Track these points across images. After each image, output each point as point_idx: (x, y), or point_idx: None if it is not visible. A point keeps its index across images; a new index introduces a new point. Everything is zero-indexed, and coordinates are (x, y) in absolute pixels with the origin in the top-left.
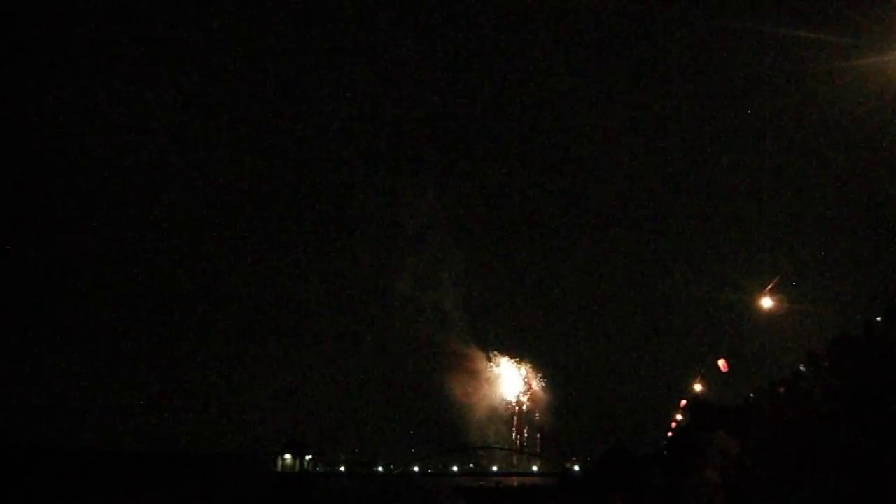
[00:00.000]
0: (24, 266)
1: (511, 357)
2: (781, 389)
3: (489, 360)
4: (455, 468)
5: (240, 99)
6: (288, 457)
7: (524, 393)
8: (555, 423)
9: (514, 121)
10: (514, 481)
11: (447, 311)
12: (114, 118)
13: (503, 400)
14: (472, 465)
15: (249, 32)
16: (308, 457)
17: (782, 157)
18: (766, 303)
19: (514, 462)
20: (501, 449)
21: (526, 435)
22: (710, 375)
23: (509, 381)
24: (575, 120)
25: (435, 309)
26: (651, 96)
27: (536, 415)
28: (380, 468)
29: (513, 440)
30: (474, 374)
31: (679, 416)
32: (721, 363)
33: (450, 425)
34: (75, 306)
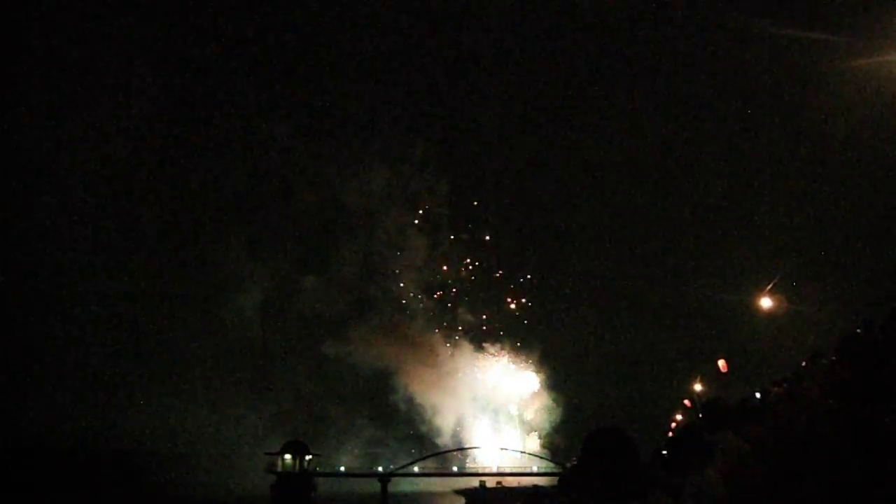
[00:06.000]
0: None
1: (478, 349)
2: (781, 388)
3: (451, 352)
4: (455, 468)
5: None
6: (288, 457)
7: (513, 389)
8: (551, 422)
9: (493, 99)
10: (516, 482)
11: (404, 299)
12: None
13: (479, 395)
14: (473, 465)
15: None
16: (308, 457)
17: (782, 156)
18: (766, 303)
19: (498, 463)
20: (477, 448)
21: (525, 433)
22: (710, 375)
23: (487, 374)
24: (567, 116)
25: (390, 296)
26: (649, 95)
27: (514, 409)
28: (380, 468)
29: (501, 439)
30: (438, 367)
31: (679, 416)
32: (721, 363)
33: (420, 425)
34: (70, 303)
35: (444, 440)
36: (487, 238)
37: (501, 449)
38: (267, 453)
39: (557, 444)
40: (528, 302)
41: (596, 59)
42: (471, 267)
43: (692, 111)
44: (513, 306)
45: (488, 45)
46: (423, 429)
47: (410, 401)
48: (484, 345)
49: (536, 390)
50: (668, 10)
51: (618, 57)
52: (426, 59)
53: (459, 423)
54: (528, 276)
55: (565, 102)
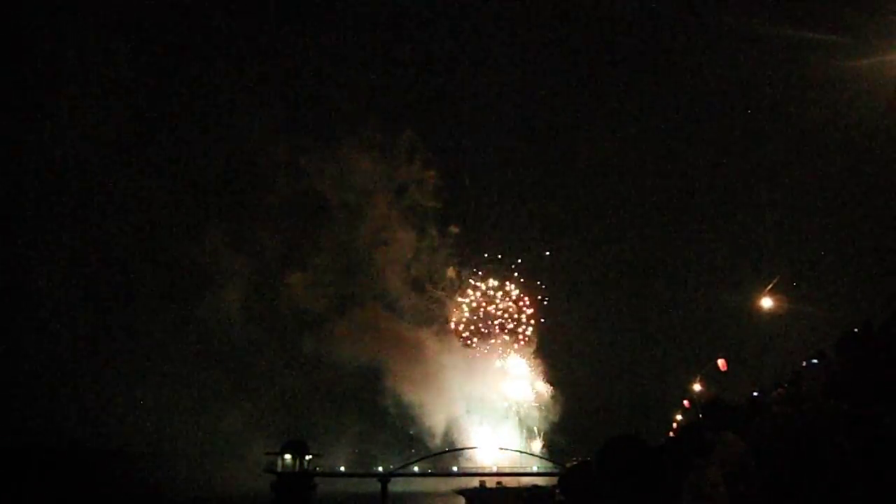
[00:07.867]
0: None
1: (470, 347)
2: (782, 389)
3: (442, 350)
4: (455, 468)
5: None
6: (288, 457)
7: (510, 388)
8: (550, 421)
9: (483, 88)
10: (515, 482)
11: (390, 295)
12: None
13: (473, 394)
14: (471, 465)
15: None
16: (308, 457)
17: (782, 156)
18: (766, 303)
19: (498, 463)
20: (476, 448)
21: (524, 433)
22: (711, 375)
23: (482, 373)
24: (564, 113)
25: (375, 292)
26: (649, 95)
27: (512, 408)
28: (379, 468)
29: (499, 438)
30: (427, 364)
31: (679, 416)
32: (721, 363)
33: (410, 425)
34: (68, 303)
35: (437, 440)
36: (479, 232)
37: (500, 449)
38: (267, 453)
39: (557, 443)
40: (523, 299)
41: (593, 56)
42: (460, 261)
43: (692, 110)
44: (507, 303)
45: (480, 34)
46: (414, 428)
47: (399, 399)
48: (477, 342)
49: (536, 389)
50: (667, 10)
51: (616, 55)
52: (413, 45)
53: (452, 422)
54: (524, 274)
55: (562, 98)
